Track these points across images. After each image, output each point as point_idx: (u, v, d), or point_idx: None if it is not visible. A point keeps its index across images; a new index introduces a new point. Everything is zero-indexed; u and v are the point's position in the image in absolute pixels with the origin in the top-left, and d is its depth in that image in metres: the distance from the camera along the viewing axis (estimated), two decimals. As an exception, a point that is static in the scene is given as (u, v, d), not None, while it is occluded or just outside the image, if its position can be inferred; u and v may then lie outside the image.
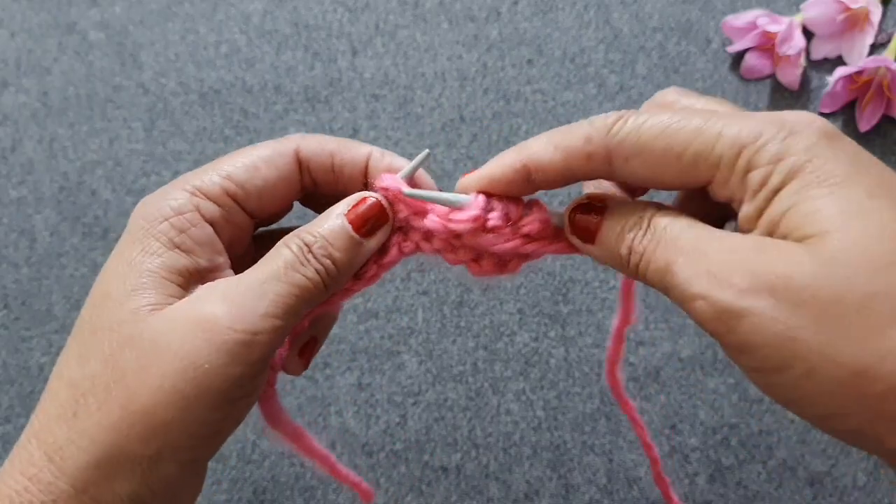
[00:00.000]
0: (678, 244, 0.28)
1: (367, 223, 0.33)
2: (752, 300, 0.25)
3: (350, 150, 0.35)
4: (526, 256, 0.35)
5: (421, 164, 0.34)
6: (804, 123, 0.28)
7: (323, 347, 0.58)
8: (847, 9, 0.61)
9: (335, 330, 0.57)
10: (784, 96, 0.63)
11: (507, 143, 0.63)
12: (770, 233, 0.27)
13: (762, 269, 0.26)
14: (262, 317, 0.30)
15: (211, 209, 0.32)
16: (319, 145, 0.35)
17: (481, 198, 0.33)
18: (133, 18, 0.68)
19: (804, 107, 0.63)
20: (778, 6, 0.64)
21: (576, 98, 0.64)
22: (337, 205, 0.33)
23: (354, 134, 0.64)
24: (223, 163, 0.33)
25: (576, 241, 0.33)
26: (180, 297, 0.31)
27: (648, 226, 0.30)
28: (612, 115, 0.30)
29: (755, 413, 0.56)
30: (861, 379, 0.24)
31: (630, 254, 0.30)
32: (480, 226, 0.33)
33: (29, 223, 0.63)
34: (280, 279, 0.31)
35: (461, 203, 0.33)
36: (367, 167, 0.35)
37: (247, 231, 0.35)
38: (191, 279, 0.32)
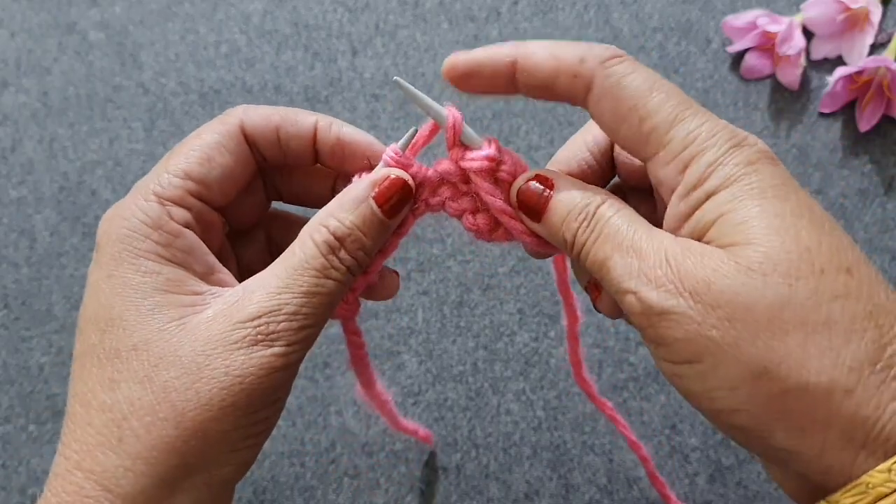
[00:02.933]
0: (617, 239, 0.30)
1: (396, 203, 0.33)
2: (674, 300, 0.28)
3: (295, 123, 0.35)
4: (509, 225, 0.35)
5: (411, 139, 0.34)
6: (751, 141, 0.30)
7: (323, 347, 0.59)
8: (847, 9, 0.61)
9: (335, 330, 0.57)
10: (784, 96, 0.63)
11: (507, 143, 0.63)
12: (698, 233, 0.29)
13: (687, 273, 0.28)
14: (298, 331, 0.31)
15: (181, 214, 0.32)
16: (264, 120, 0.34)
17: (457, 114, 0.33)
18: (133, 18, 0.68)
19: (804, 107, 0.63)
20: (778, 6, 0.64)
21: (576, 98, 0.64)
22: (360, 184, 0.33)
23: (354, 134, 0.64)
24: (175, 160, 0.33)
25: (523, 216, 0.33)
26: (194, 307, 0.31)
27: (594, 215, 0.31)
28: (610, 49, 0.31)
29: (755, 413, 0.56)
30: (760, 378, 0.26)
31: (573, 241, 0.31)
32: (493, 169, 0.33)
33: (29, 223, 0.63)
34: (313, 291, 0.31)
35: (437, 112, 0.33)
36: (314, 138, 0.35)
37: (217, 224, 0.34)
38: (196, 286, 0.32)
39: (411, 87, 0.33)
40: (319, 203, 0.34)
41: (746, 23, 0.63)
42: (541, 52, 0.31)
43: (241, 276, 0.33)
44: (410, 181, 0.33)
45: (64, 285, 0.61)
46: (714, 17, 0.65)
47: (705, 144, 0.29)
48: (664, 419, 0.56)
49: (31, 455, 0.58)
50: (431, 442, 0.49)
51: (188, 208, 0.32)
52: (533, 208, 0.33)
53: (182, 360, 0.30)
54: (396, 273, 0.37)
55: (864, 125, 0.61)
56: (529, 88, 0.32)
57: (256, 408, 0.30)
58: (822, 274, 0.27)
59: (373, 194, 0.32)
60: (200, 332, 0.30)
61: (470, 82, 0.32)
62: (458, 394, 0.58)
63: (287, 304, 0.30)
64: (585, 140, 0.35)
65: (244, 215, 0.37)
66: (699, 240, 0.29)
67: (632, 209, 0.31)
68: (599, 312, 0.35)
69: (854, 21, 0.62)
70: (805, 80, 0.63)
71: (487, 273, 0.60)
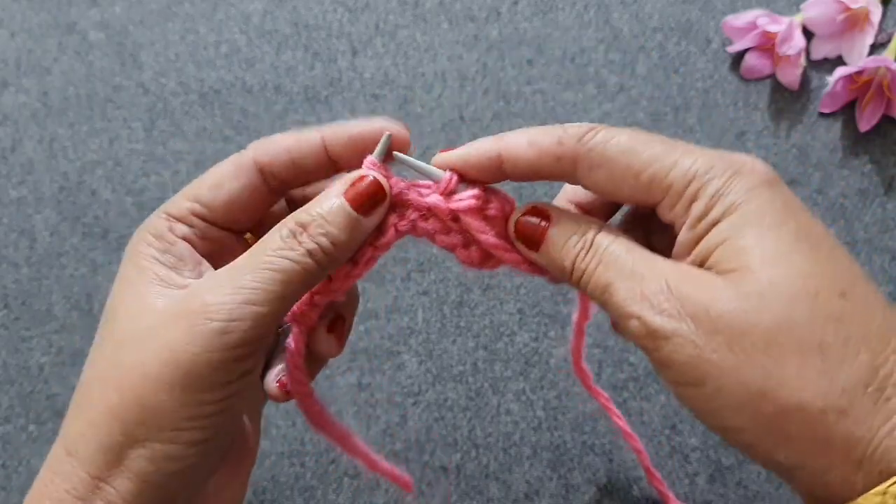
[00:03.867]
0: (618, 265, 0.31)
1: (366, 200, 0.34)
2: (676, 324, 0.29)
3: (304, 141, 0.36)
4: (503, 257, 0.36)
5: (386, 145, 0.35)
6: (749, 167, 0.31)
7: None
8: (847, 9, 0.61)
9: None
10: (784, 96, 0.63)
11: (507, 143, 0.63)
12: (702, 260, 0.31)
13: (688, 298, 0.29)
14: (240, 304, 0.31)
15: (181, 229, 0.35)
16: (274, 146, 0.36)
17: (455, 177, 0.35)
18: (133, 18, 0.68)
19: (804, 107, 0.63)
20: (778, 6, 0.64)
21: (576, 98, 0.64)
22: (334, 184, 0.34)
23: (354, 134, 0.64)
24: (192, 187, 0.36)
25: (521, 246, 0.35)
26: (170, 295, 0.33)
27: (591, 244, 0.32)
28: (584, 126, 0.33)
29: (755, 413, 0.56)
30: (759, 400, 0.28)
31: (573, 269, 0.33)
32: (481, 207, 0.34)
33: (29, 223, 0.63)
34: (261, 266, 0.32)
35: (436, 176, 0.35)
36: (326, 148, 0.36)
37: (227, 243, 0.37)
38: (181, 281, 0.34)
39: (409, 158, 0.35)
40: None
41: (746, 23, 0.63)
42: (520, 142, 0.33)
43: None
44: (384, 182, 0.34)
45: (64, 285, 0.61)
46: (714, 17, 0.65)
47: (706, 178, 0.31)
48: (664, 419, 0.56)
49: (31, 455, 0.58)
50: (411, 489, 0.49)
51: (190, 225, 0.35)
52: (531, 238, 0.34)
53: (137, 334, 0.32)
54: (343, 324, 0.38)
55: (864, 125, 0.61)
56: (518, 176, 0.34)
57: (197, 387, 0.31)
58: (817, 298, 0.28)
59: (343, 190, 0.34)
60: (159, 310, 0.32)
61: (462, 177, 0.35)
62: (458, 394, 0.58)
63: (232, 279, 0.32)
64: (568, 199, 0.38)
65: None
66: (701, 266, 0.31)
67: (628, 237, 0.33)
68: (618, 334, 0.36)
69: (854, 21, 0.62)
70: (805, 80, 0.63)
71: (487, 273, 0.60)
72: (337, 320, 0.38)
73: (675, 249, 0.32)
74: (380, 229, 0.35)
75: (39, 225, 0.63)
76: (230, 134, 0.64)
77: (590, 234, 0.33)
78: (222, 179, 0.36)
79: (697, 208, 0.31)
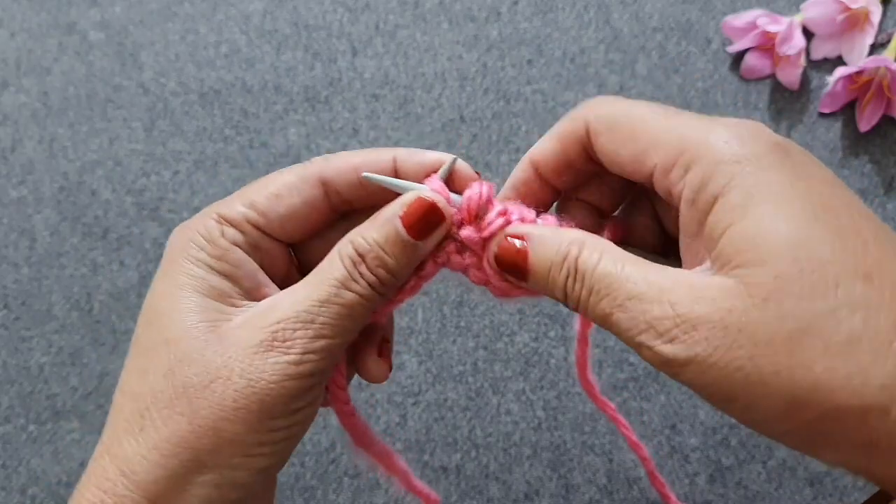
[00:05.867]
0: (611, 292, 0.29)
1: (422, 225, 0.33)
2: (692, 351, 0.27)
3: (374, 161, 0.34)
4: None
5: (450, 168, 0.34)
6: (754, 132, 0.28)
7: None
8: (847, 9, 0.61)
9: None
10: (784, 96, 0.63)
11: (507, 143, 0.63)
12: (710, 247, 0.28)
13: (699, 318, 0.27)
14: (313, 339, 0.31)
15: (235, 235, 0.33)
16: (343, 163, 0.34)
17: (440, 184, 0.33)
18: (133, 18, 0.68)
19: (805, 107, 0.63)
20: (778, 6, 0.64)
21: (576, 98, 0.64)
22: (391, 205, 0.33)
23: (354, 134, 0.64)
24: (249, 191, 0.34)
25: (511, 279, 0.33)
26: (230, 315, 0.32)
27: (576, 269, 0.30)
28: (598, 98, 0.33)
29: (755, 413, 0.56)
30: (793, 409, 0.26)
31: (567, 300, 0.31)
32: (505, 223, 0.33)
33: (29, 223, 0.63)
34: (330, 300, 0.31)
35: (417, 191, 0.33)
36: (395, 172, 0.34)
37: (280, 256, 0.35)
38: (238, 299, 0.33)
39: (381, 177, 0.34)
40: None
41: (746, 23, 0.63)
42: (543, 142, 0.34)
43: None
44: (442, 203, 0.33)
45: (64, 285, 0.61)
46: (714, 17, 0.65)
47: (705, 144, 0.28)
48: (664, 419, 0.56)
49: (31, 455, 0.58)
50: None
51: (244, 232, 0.34)
52: (515, 268, 0.32)
53: (203, 360, 0.31)
54: (388, 358, 0.37)
55: (864, 125, 0.61)
56: (555, 175, 0.34)
57: (270, 414, 0.31)
58: (838, 287, 0.26)
59: (400, 213, 0.32)
60: (226, 335, 0.31)
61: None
62: (458, 394, 0.58)
63: (304, 311, 0.31)
64: (532, 160, 0.35)
65: (323, 254, 0.38)
66: (711, 253, 0.28)
67: (614, 246, 0.30)
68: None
69: (854, 21, 0.62)
70: (805, 80, 0.63)
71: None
72: (384, 343, 0.37)
73: (682, 231, 0.30)
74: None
75: (39, 225, 0.63)
76: (230, 134, 0.64)
77: (571, 257, 0.30)
78: (283, 190, 0.34)
79: (694, 178, 0.28)
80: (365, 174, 0.33)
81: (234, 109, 0.65)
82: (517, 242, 0.32)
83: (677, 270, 0.29)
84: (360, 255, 0.32)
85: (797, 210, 0.27)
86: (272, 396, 0.30)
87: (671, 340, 0.27)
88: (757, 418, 0.27)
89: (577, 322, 0.42)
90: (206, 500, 0.31)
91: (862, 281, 0.26)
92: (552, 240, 0.31)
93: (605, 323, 0.29)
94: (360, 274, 0.32)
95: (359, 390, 0.58)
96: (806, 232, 0.26)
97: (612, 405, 0.47)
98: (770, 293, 0.26)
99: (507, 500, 0.55)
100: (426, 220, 0.33)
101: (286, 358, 0.30)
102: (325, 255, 0.35)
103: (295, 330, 0.31)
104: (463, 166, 0.34)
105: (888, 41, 0.62)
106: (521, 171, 0.34)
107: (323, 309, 0.31)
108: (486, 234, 0.33)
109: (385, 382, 0.54)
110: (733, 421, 0.56)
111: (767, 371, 0.26)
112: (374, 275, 0.32)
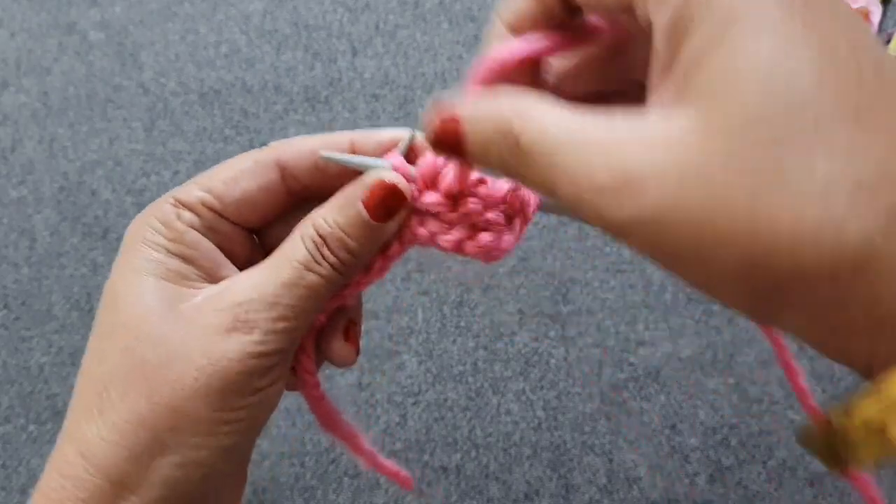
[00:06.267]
0: (554, 159, 0.24)
1: (384, 208, 0.32)
2: (640, 210, 0.22)
3: (331, 143, 0.35)
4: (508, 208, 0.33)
5: (408, 144, 0.33)
6: None
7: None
8: (847, 9, 0.61)
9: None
10: (784, 96, 0.63)
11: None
12: (676, 85, 0.23)
13: (651, 169, 0.22)
14: (275, 321, 0.31)
15: (191, 219, 0.33)
16: (299, 146, 0.35)
17: (399, 159, 0.32)
18: (133, 18, 0.68)
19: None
20: (778, 6, 0.64)
21: (576, 98, 0.64)
22: (353, 186, 0.33)
23: (354, 134, 0.64)
24: (206, 176, 0.34)
25: (444, 153, 0.29)
26: (189, 297, 0.32)
27: (516, 144, 0.25)
28: None
29: (755, 413, 0.56)
30: (752, 267, 0.21)
31: (507, 174, 0.26)
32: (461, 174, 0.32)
33: (29, 223, 0.63)
34: (292, 281, 0.32)
35: (375, 166, 0.32)
36: (354, 153, 0.34)
37: (240, 241, 0.35)
38: (197, 281, 0.33)
39: (337, 154, 0.33)
40: None
41: (746, 23, 0.63)
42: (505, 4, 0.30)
43: None
44: (403, 185, 0.33)
45: (64, 285, 0.61)
46: (714, 17, 0.65)
47: None
48: (664, 419, 0.56)
49: (31, 455, 0.58)
50: (411, 487, 0.48)
51: (200, 216, 0.34)
52: (451, 145, 0.27)
53: (162, 339, 0.31)
54: (355, 338, 0.37)
55: (864, 125, 0.61)
56: (533, 34, 0.29)
57: (232, 393, 0.31)
58: (818, 127, 0.21)
59: (362, 196, 0.32)
60: (184, 315, 0.31)
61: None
62: (458, 394, 0.58)
63: (266, 293, 0.31)
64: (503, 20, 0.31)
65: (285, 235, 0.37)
66: (677, 90, 0.23)
67: (557, 100, 0.25)
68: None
69: (854, 21, 0.62)
70: (805, 80, 0.63)
71: (487, 273, 0.60)
72: (350, 326, 0.37)
73: (650, 68, 0.25)
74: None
75: (39, 225, 0.63)
76: (230, 134, 0.64)
77: (508, 129, 0.25)
78: (239, 174, 0.34)
79: (675, 1, 0.23)
80: (322, 153, 0.33)
81: (234, 109, 0.65)
82: (446, 117, 0.27)
83: (633, 118, 0.24)
84: (323, 238, 0.32)
85: (781, 31, 0.21)
86: (233, 375, 0.30)
87: (617, 199, 0.22)
88: (709, 282, 0.23)
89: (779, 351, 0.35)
90: (168, 479, 0.31)
91: (849, 121, 0.21)
92: (483, 102, 0.27)
93: (551, 195, 0.25)
94: (323, 256, 0.32)
95: (359, 390, 0.58)
96: (786, 57, 0.21)
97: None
98: (734, 133, 0.21)
99: (507, 500, 0.55)
100: (388, 203, 0.32)
101: (248, 338, 0.31)
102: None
103: (258, 311, 0.31)
104: (422, 140, 0.33)
105: (888, 41, 0.62)
106: (495, 38, 0.30)
107: (285, 291, 0.31)
108: (443, 187, 0.32)
109: (385, 382, 0.54)
110: (733, 421, 0.56)
111: (722, 224, 0.21)
112: (337, 257, 0.32)
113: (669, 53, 0.23)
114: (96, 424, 0.31)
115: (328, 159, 0.33)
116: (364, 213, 0.32)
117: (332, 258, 0.32)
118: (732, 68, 0.21)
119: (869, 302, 0.21)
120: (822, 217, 0.20)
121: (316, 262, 0.32)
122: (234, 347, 0.31)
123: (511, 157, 0.25)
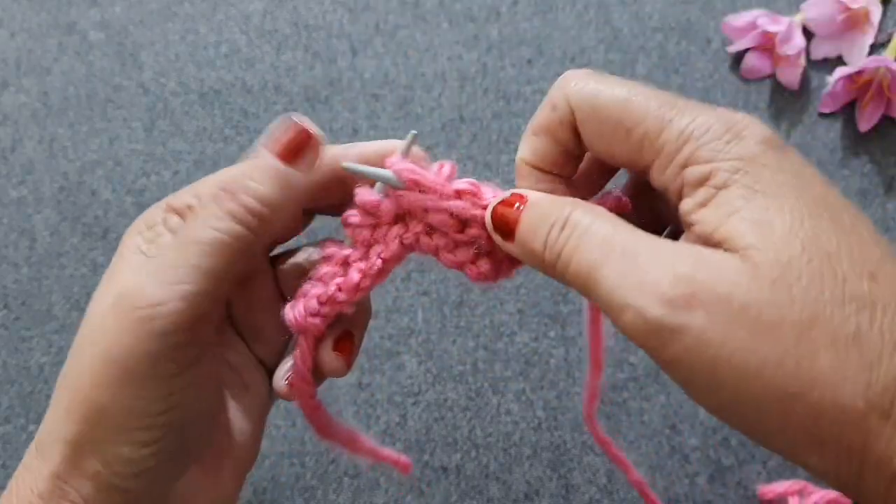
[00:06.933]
0: (603, 246, 0.27)
1: (291, 147, 0.31)
2: (686, 316, 0.24)
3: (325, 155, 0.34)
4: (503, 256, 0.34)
5: (410, 143, 0.33)
6: (750, 129, 0.27)
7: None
8: (847, 9, 0.61)
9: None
10: (784, 96, 0.63)
11: (507, 143, 0.63)
12: (709, 236, 0.26)
13: (701, 285, 0.24)
14: (164, 285, 0.29)
15: (175, 222, 0.32)
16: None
17: (404, 161, 0.32)
18: (133, 18, 0.68)
19: (804, 107, 0.63)
20: (778, 6, 0.64)
21: (576, 98, 0.64)
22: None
23: (354, 134, 0.64)
24: (200, 182, 0.33)
25: (497, 237, 0.31)
26: None
27: (566, 221, 0.28)
28: (579, 72, 0.30)
29: (755, 413, 0.56)
30: (791, 403, 0.24)
31: (545, 250, 0.28)
32: (474, 192, 0.32)
33: (29, 223, 0.63)
34: (185, 241, 0.30)
35: (387, 178, 0.32)
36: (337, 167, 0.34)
37: None
38: None
39: (356, 166, 0.32)
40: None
41: (746, 23, 0.63)
42: (527, 140, 0.31)
43: (281, 287, 0.36)
44: (310, 127, 0.32)
45: (64, 285, 0.61)
46: (714, 17, 0.65)
47: (701, 140, 0.27)
48: (664, 419, 0.56)
49: (31, 455, 0.58)
50: (410, 472, 0.46)
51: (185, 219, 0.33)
52: (505, 223, 0.30)
53: (84, 332, 0.31)
54: (350, 345, 0.35)
55: (864, 125, 0.61)
56: (551, 166, 0.32)
57: (138, 383, 0.29)
58: (846, 282, 0.24)
59: (264, 142, 0.32)
60: (94, 306, 0.31)
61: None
62: (458, 394, 0.58)
63: (154, 260, 0.30)
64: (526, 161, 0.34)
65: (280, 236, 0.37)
66: (707, 244, 0.26)
67: (614, 216, 0.28)
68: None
69: (854, 21, 0.62)
70: (805, 80, 0.63)
71: (487, 273, 0.60)
72: (344, 337, 0.34)
73: (681, 218, 0.28)
74: (385, 241, 0.33)
75: (39, 225, 0.63)
76: (230, 134, 0.64)
77: (565, 213, 0.28)
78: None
79: (692, 174, 0.27)
80: (344, 164, 0.32)
81: (234, 109, 0.65)
82: (514, 204, 0.30)
83: (678, 242, 0.27)
84: (225, 190, 0.30)
85: (801, 204, 0.25)
86: (133, 360, 0.28)
87: (664, 303, 0.24)
88: (744, 412, 0.25)
89: (587, 370, 0.39)
90: (97, 475, 0.30)
91: (868, 279, 0.25)
92: (553, 198, 0.30)
93: (587, 280, 0.27)
94: (229, 211, 0.30)
95: (359, 390, 0.58)
96: (812, 224, 0.25)
97: (621, 454, 0.45)
98: (779, 276, 0.24)
99: (507, 500, 0.55)
100: (293, 141, 0.31)
101: (137, 314, 0.28)
102: (282, 236, 0.36)
103: (145, 280, 0.29)
104: (418, 151, 0.33)
105: (888, 41, 0.62)
106: (524, 180, 0.32)
107: (175, 253, 0.29)
108: (485, 202, 0.32)
109: (385, 382, 0.54)
110: (733, 421, 0.56)
111: (769, 358, 0.24)
112: (241, 204, 0.30)
113: (696, 206, 0.27)
114: (48, 420, 0.32)
115: (350, 170, 0.32)
116: (267, 154, 0.31)
117: (233, 206, 0.30)
118: (767, 224, 0.25)
119: (887, 450, 0.23)
120: (857, 364, 0.24)
121: (214, 215, 0.30)
122: (127, 329, 0.28)
123: (557, 234, 0.28)
